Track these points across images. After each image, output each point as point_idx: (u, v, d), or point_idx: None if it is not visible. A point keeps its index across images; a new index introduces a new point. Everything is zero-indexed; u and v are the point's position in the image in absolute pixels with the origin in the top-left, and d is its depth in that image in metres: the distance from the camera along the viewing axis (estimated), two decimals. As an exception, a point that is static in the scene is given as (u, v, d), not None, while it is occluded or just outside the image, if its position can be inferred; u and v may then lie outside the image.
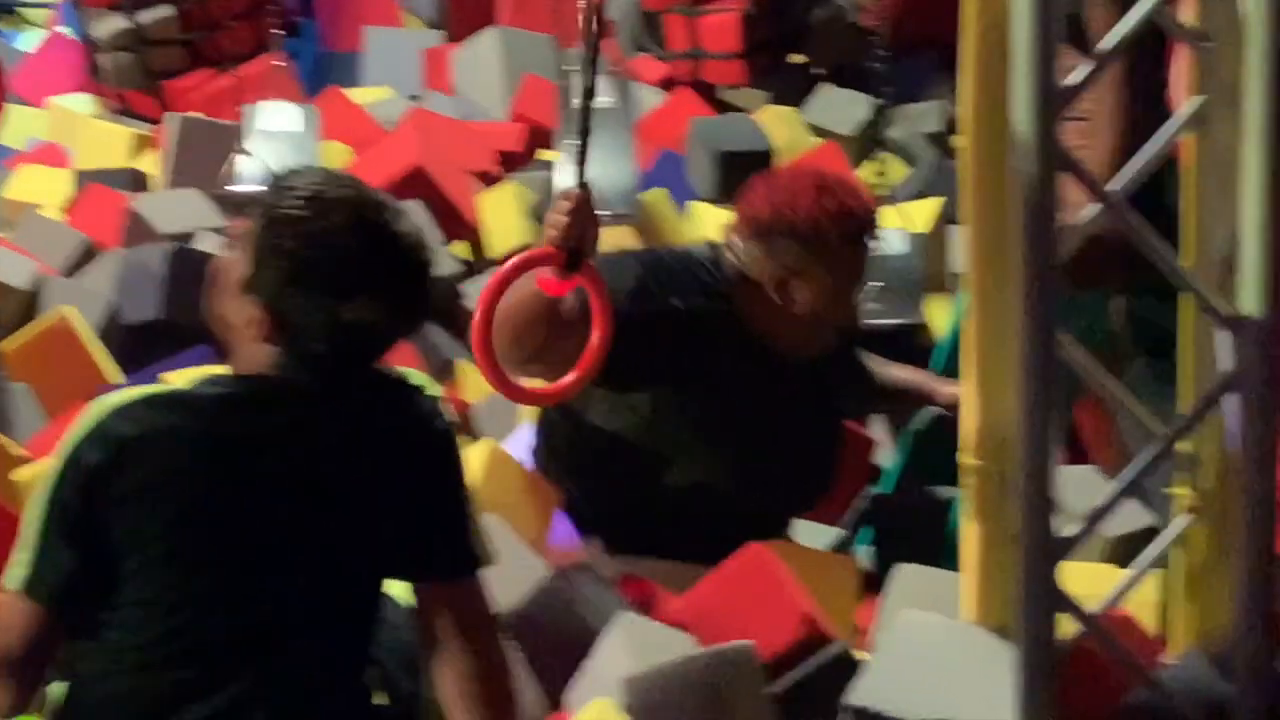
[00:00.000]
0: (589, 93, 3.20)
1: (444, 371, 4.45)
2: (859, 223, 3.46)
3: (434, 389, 2.59)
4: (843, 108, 5.61)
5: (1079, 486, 3.69)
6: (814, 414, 3.55)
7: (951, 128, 5.82)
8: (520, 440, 3.71)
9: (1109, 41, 2.37)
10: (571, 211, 3.13)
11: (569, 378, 3.16)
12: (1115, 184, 2.49)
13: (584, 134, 3.20)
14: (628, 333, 3.21)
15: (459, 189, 4.97)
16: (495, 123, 5.72)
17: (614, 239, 4.45)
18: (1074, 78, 2.36)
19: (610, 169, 4.36)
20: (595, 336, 3.13)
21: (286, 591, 2.46)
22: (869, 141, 5.61)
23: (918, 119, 5.71)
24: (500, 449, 3.51)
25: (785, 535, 3.56)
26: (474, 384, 4.41)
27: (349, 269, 2.45)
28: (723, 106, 5.80)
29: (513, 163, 5.44)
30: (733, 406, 3.47)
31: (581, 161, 3.21)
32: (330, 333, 2.45)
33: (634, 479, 3.48)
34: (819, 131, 5.51)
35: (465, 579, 2.54)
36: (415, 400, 2.57)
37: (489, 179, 5.31)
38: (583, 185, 3.17)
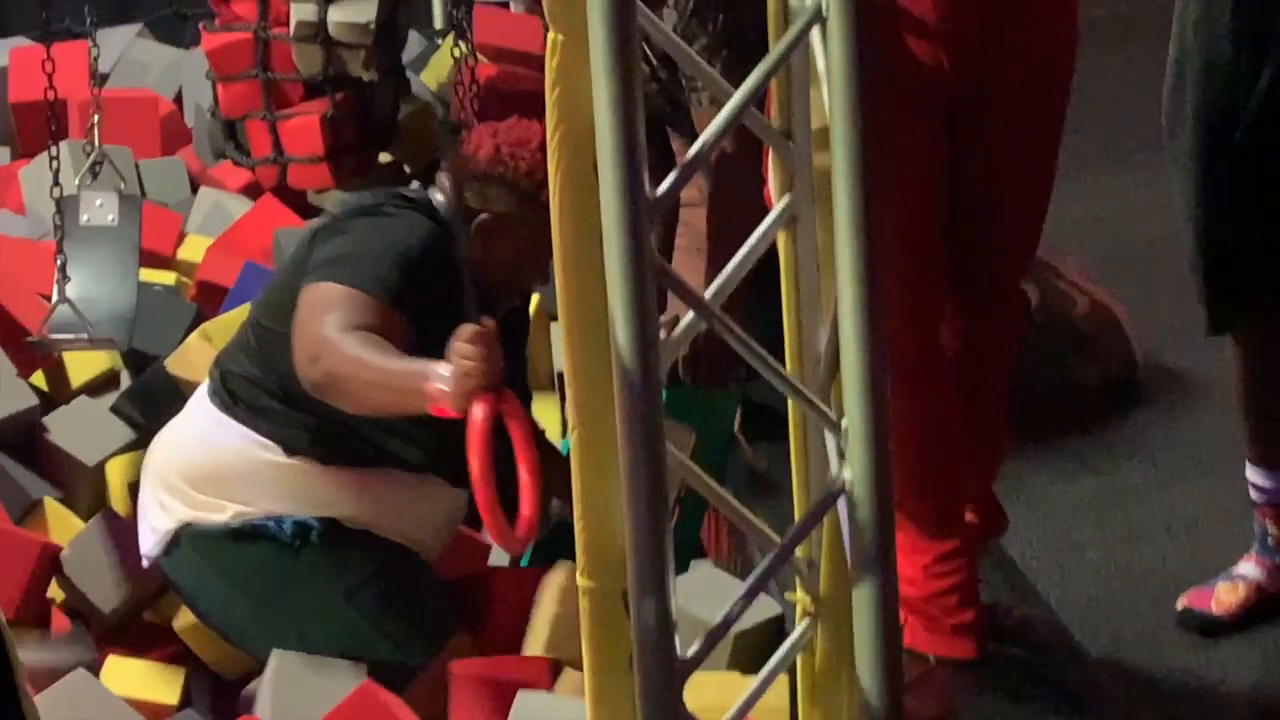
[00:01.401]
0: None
1: (30, 513, 4.21)
2: None
3: None
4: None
5: (702, 587, 3.64)
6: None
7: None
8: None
9: (694, 149, 2.30)
10: (482, 347, 3.23)
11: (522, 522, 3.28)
12: (709, 292, 2.42)
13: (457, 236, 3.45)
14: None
15: (32, 316, 4.70)
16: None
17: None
18: (664, 186, 2.28)
19: (108, 291, 4.29)
20: (525, 475, 3.26)
21: None
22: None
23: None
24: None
25: None
26: (62, 525, 4.17)
27: None
28: (311, 212, 5.63)
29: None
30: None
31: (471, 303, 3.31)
32: None
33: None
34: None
35: None
36: None
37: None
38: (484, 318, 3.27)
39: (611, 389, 2.44)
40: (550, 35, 2.41)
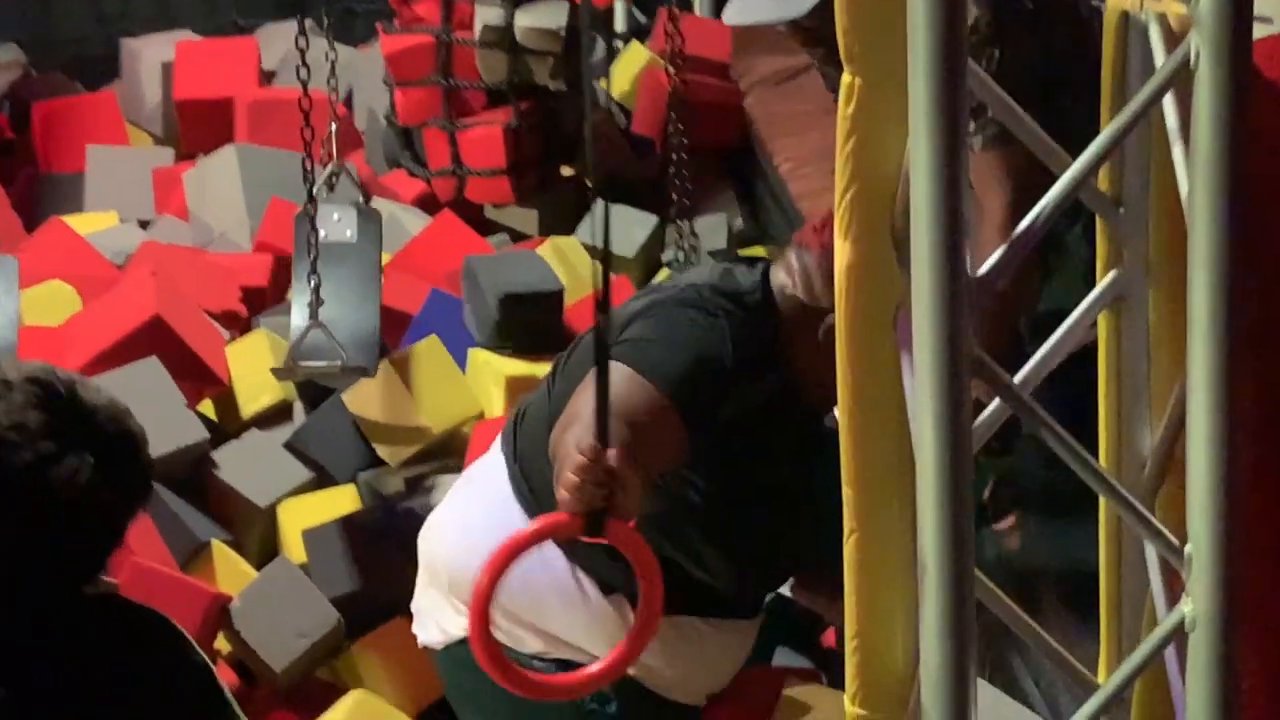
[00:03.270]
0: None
1: (195, 556, 3.91)
2: None
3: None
4: (620, 226, 5.14)
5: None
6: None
7: (738, 243, 5.42)
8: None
9: (1027, 221, 1.94)
10: (587, 470, 2.51)
11: (610, 659, 2.63)
12: (1020, 376, 2.06)
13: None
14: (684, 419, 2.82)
15: (203, 338, 4.40)
16: (238, 254, 5.17)
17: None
18: (990, 264, 1.92)
19: (349, 313, 3.88)
20: (643, 611, 2.59)
21: None
22: (651, 263, 5.19)
23: (701, 235, 5.27)
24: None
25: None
26: (231, 572, 3.88)
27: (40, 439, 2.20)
28: (489, 227, 5.32)
29: (259, 300, 4.90)
30: (782, 481, 3.00)
31: None
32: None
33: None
34: (598, 254, 5.04)
35: None
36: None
37: (233, 320, 4.77)
38: (603, 439, 2.51)
39: (898, 488, 2.10)
40: (847, 78, 2.06)
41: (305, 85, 3.89)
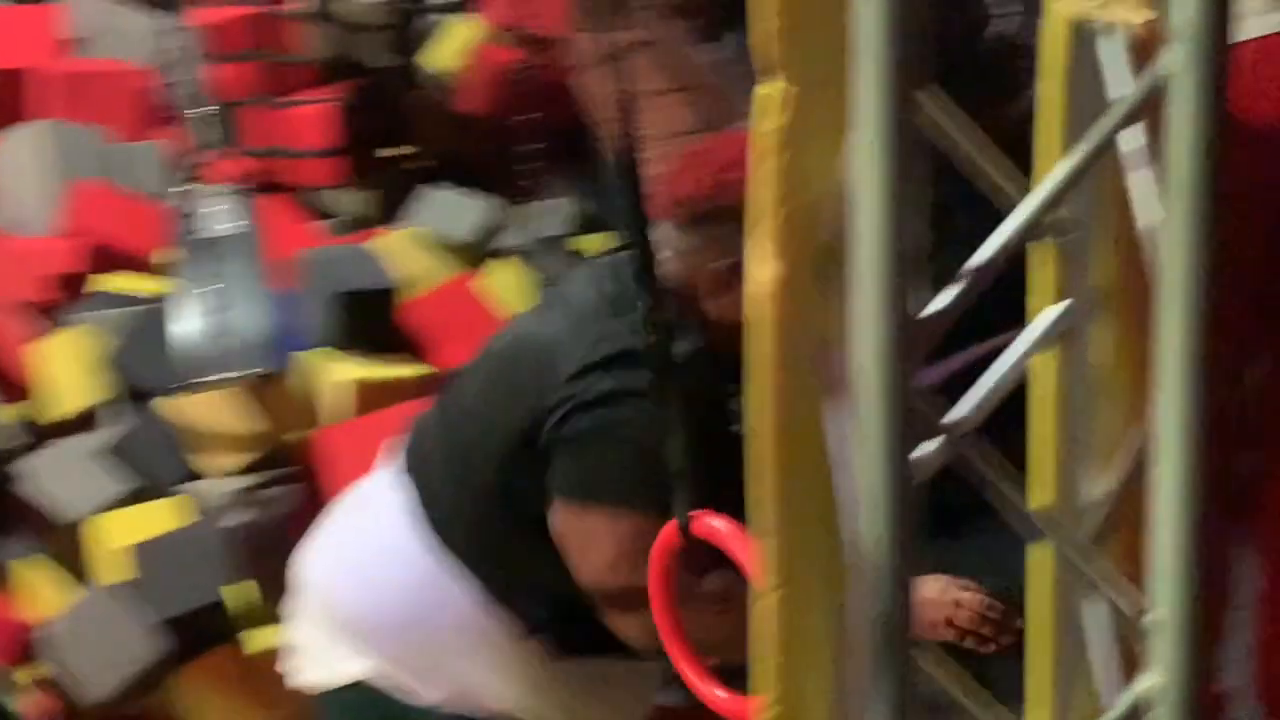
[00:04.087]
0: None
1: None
2: None
3: None
4: (454, 210, 4.89)
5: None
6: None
7: (579, 228, 5.19)
8: None
9: (983, 257, 1.73)
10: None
11: None
12: (958, 412, 1.86)
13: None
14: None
15: (5, 333, 4.07)
16: (43, 238, 4.81)
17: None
18: (936, 305, 1.71)
19: (244, 311, 3.56)
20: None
21: None
22: (486, 248, 4.94)
23: (537, 220, 5.04)
24: None
25: None
26: (43, 594, 3.58)
27: None
28: (315, 212, 5.03)
29: (71, 288, 4.55)
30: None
31: None
32: None
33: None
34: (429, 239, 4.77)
35: None
36: None
37: (41, 311, 4.43)
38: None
39: (825, 541, 1.90)
40: (776, 86, 1.83)
41: (166, 64, 3.56)
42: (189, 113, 5.02)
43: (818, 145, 1.84)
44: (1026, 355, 1.93)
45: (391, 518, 2.82)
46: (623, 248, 2.87)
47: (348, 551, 2.89)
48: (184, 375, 3.51)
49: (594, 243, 5.15)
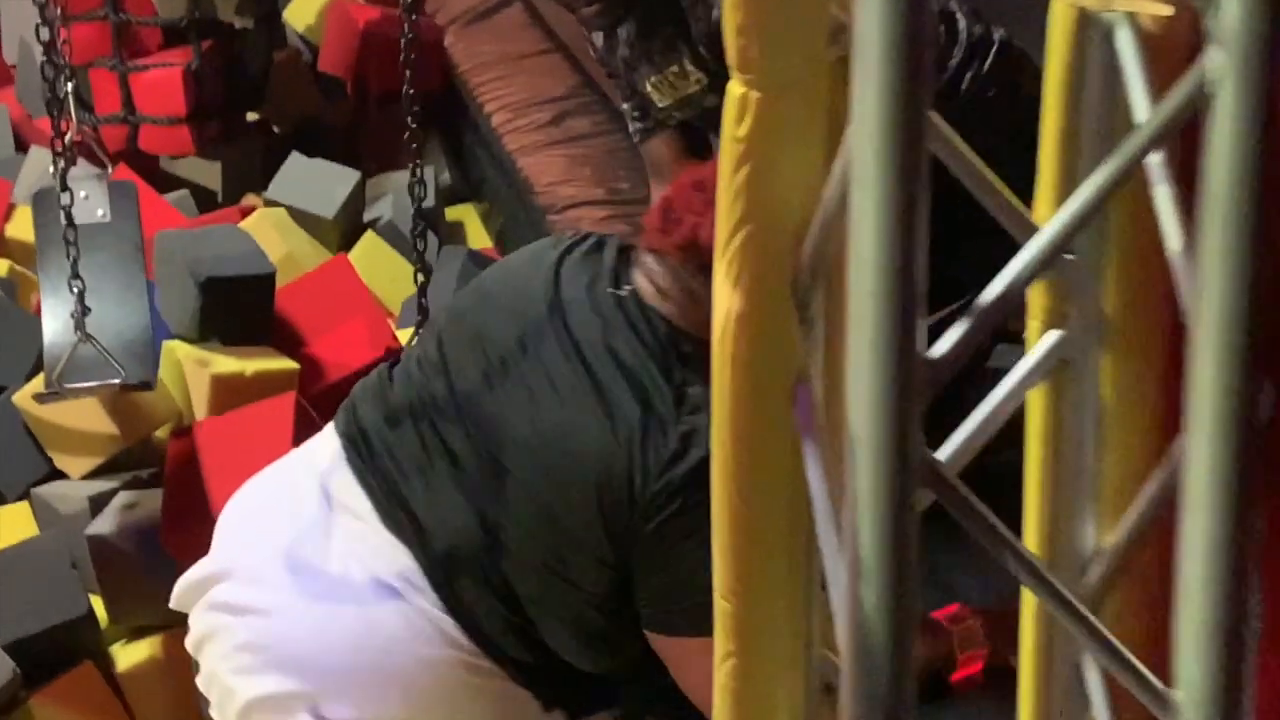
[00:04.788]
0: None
1: None
2: None
3: None
4: (317, 182, 4.60)
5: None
6: None
7: (445, 199, 4.93)
8: None
9: (996, 291, 1.51)
10: None
11: None
12: (948, 450, 1.64)
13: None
14: None
15: None
16: None
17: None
18: (948, 344, 1.49)
19: (116, 313, 3.21)
20: None
21: None
22: (352, 223, 4.66)
23: (403, 190, 4.75)
24: None
25: None
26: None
27: None
28: (166, 181, 4.73)
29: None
30: None
31: None
32: None
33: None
34: (293, 215, 4.48)
35: None
36: None
37: None
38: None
39: (792, 602, 1.69)
40: (737, 90, 1.60)
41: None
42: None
43: (789, 156, 1.61)
44: (1022, 387, 1.71)
45: (355, 548, 2.54)
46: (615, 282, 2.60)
47: (300, 575, 2.55)
48: (46, 376, 3.19)
49: (464, 213, 4.90)
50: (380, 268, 4.39)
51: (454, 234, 4.82)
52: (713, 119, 3.32)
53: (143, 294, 3.23)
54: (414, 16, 3.37)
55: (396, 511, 2.54)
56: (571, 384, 2.50)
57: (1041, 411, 1.76)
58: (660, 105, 3.44)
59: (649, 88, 3.41)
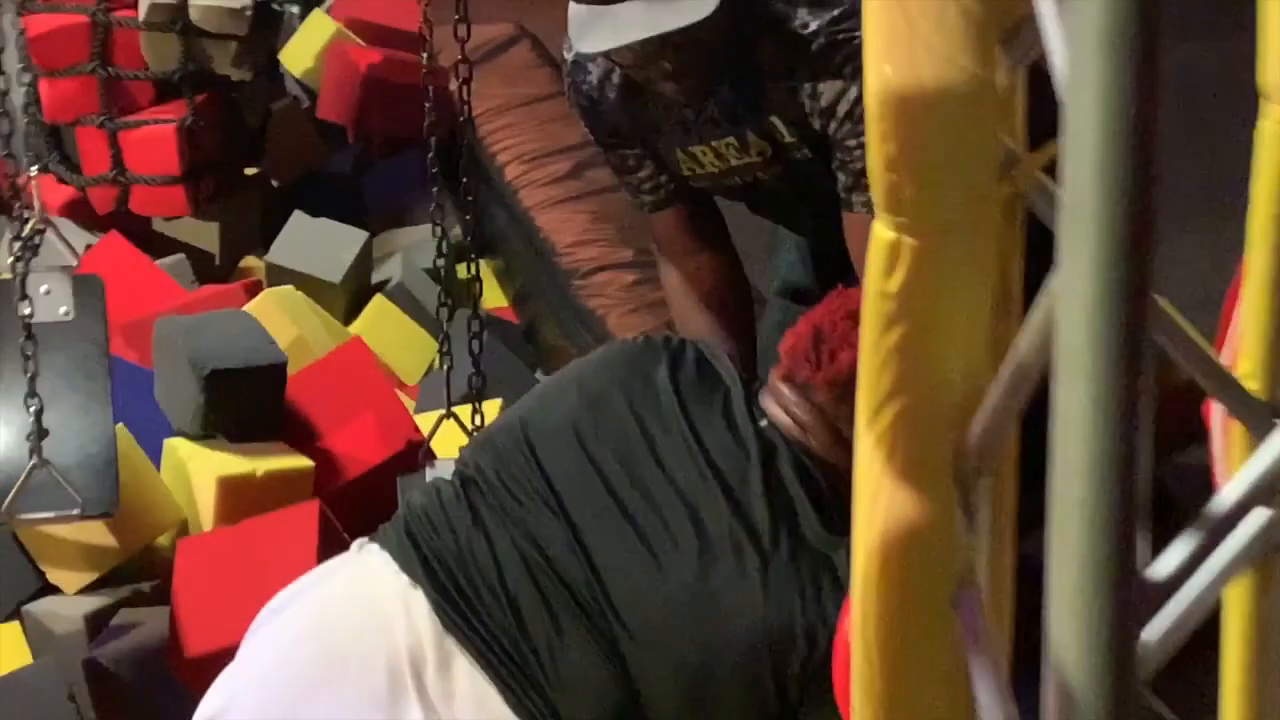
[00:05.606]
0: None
1: None
2: None
3: None
4: (321, 243, 4.31)
5: None
6: None
7: (455, 257, 4.63)
8: None
9: (1222, 502, 1.22)
10: None
11: None
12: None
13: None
14: None
15: None
16: None
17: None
18: (1172, 563, 1.20)
19: (75, 428, 2.90)
20: None
21: None
22: (360, 287, 4.38)
23: (414, 249, 4.47)
24: None
25: None
26: None
27: None
28: (160, 245, 4.44)
29: None
30: None
31: None
32: None
33: None
34: (296, 279, 4.18)
35: None
36: None
37: None
38: None
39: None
40: (884, 231, 1.31)
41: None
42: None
43: (949, 316, 1.32)
44: (1229, 571, 1.42)
45: None
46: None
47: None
48: (9, 520, 2.89)
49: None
50: (391, 336, 4.11)
51: (464, 292, 4.52)
52: (734, 188, 3.02)
53: (106, 404, 2.93)
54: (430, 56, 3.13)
55: (530, 694, 2.23)
56: (718, 533, 2.25)
57: (1243, 607, 1.48)
58: (695, 173, 3.06)
59: (679, 154, 3.06)
